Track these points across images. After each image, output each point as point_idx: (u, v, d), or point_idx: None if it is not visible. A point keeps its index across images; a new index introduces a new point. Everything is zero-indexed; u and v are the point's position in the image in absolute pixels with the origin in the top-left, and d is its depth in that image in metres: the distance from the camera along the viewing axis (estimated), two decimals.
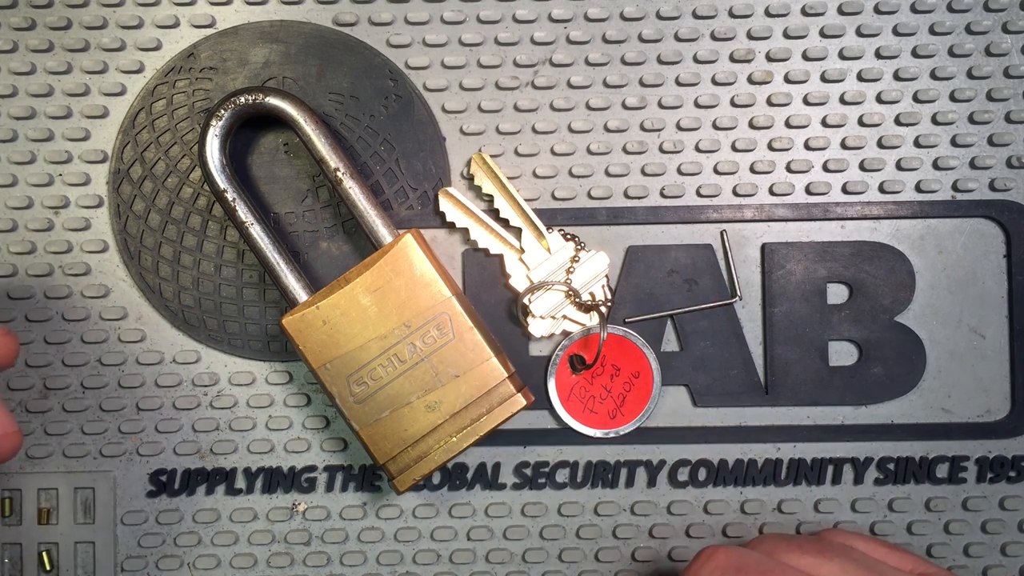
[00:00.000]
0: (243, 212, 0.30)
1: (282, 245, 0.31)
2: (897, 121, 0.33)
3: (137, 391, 0.33)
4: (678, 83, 0.33)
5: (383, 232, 0.30)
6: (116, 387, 0.33)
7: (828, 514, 0.33)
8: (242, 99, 0.30)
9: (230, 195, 0.30)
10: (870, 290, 0.33)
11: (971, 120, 0.33)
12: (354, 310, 0.29)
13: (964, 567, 0.33)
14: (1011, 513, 0.33)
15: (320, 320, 0.29)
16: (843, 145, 0.33)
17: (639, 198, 0.33)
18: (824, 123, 0.33)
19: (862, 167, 0.33)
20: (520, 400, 0.29)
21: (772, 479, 0.33)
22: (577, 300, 0.32)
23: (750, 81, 0.33)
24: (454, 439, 0.29)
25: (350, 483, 0.33)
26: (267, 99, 0.30)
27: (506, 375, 0.29)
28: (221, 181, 0.30)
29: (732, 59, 0.33)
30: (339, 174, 0.30)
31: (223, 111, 0.30)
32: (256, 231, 0.30)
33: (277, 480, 0.33)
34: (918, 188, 0.33)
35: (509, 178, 0.33)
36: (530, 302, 0.32)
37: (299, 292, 0.30)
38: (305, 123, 0.30)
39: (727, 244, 0.33)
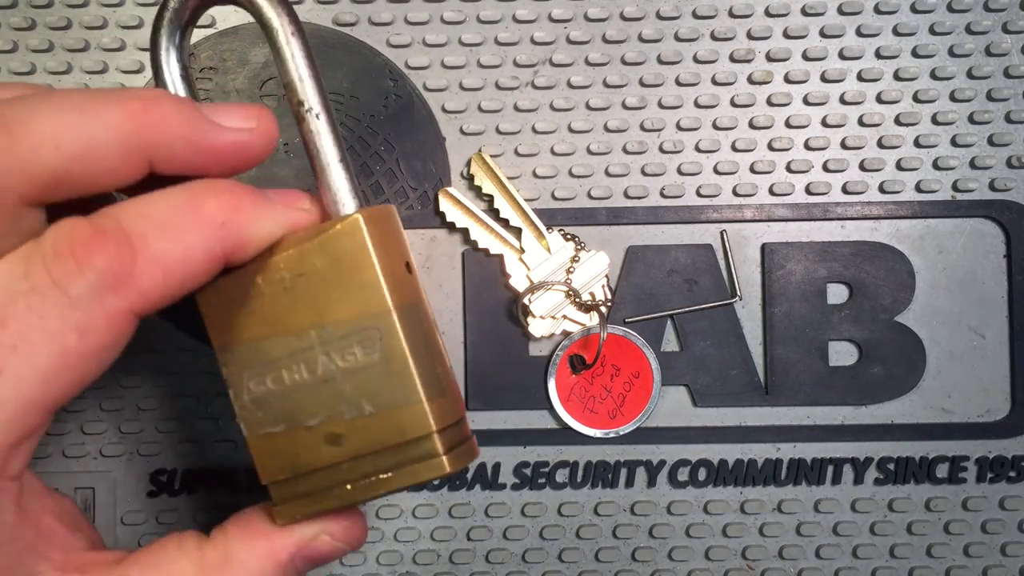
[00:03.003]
0: None
1: None
2: (897, 121, 0.33)
3: (137, 391, 0.33)
4: (678, 83, 0.33)
5: (341, 201, 0.22)
6: (116, 387, 0.33)
7: (828, 514, 0.33)
8: None
9: None
10: (870, 290, 0.33)
11: (971, 120, 0.33)
12: (269, 290, 0.22)
13: (964, 567, 0.33)
14: (1011, 513, 0.33)
15: (233, 293, 0.22)
16: (843, 145, 0.33)
17: (639, 198, 0.33)
18: (824, 123, 0.33)
19: (862, 167, 0.33)
20: (443, 465, 0.21)
21: (772, 479, 0.33)
22: (577, 300, 0.32)
23: (750, 81, 0.33)
24: (348, 488, 0.22)
25: None
26: None
27: (434, 429, 0.21)
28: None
29: (732, 59, 0.33)
30: (303, 111, 0.22)
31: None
32: None
33: None
34: (918, 188, 0.33)
35: (509, 178, 0.33)
36: (530, 302, 0.32)
37: None
38: (280, 28, 0.22)
39: (727, 244, 0.33)
